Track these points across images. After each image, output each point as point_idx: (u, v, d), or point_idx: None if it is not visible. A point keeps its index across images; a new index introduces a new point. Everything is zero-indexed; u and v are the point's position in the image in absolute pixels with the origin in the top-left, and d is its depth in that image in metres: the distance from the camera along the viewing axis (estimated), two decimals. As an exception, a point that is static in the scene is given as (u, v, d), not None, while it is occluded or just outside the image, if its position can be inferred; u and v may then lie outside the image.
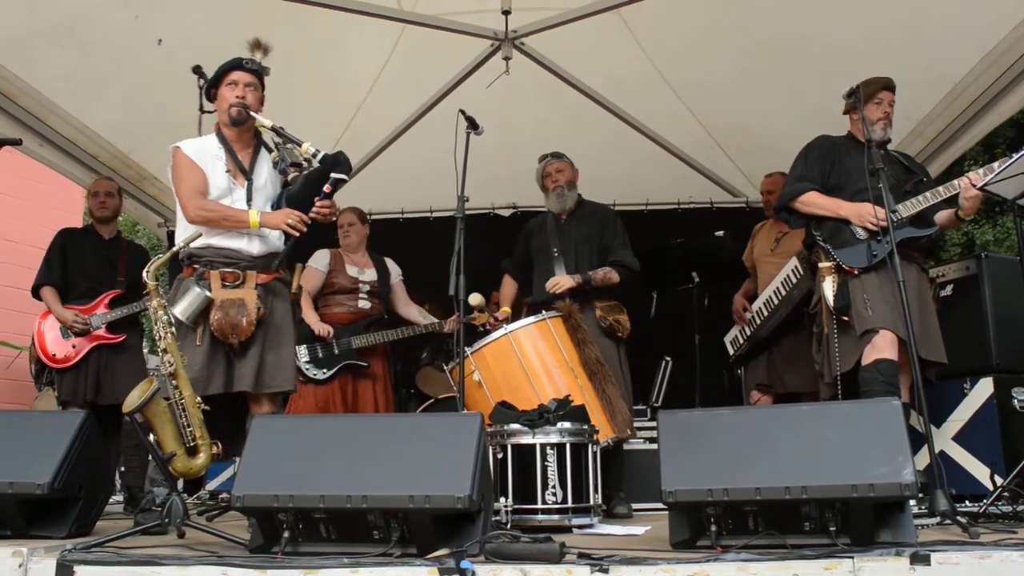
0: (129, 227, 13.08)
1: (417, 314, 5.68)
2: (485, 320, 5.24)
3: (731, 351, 5.63)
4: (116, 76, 5.32)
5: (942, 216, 4.28)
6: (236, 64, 3.86)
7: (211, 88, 3.96)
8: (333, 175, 3.67)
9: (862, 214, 4.07)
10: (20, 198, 8.46)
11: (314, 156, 3.63)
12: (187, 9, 5.02)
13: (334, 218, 3.81)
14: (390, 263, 5.73)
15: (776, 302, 5.17)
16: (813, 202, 4.24)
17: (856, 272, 4.06)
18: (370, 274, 5.56)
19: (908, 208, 4.07)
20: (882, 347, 3.90)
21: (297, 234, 3.71)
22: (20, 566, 2.53)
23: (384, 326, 5.52)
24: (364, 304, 5.46)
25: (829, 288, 4.11)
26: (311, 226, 3.74)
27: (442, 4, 5.39)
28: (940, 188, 4.02)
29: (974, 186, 4.01)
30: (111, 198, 5.39)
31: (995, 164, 3.92)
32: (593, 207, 5.10)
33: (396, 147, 6.44)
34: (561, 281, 4.71)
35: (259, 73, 3.89)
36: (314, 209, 3.72)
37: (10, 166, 7.79)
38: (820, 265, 4.21)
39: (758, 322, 5.37)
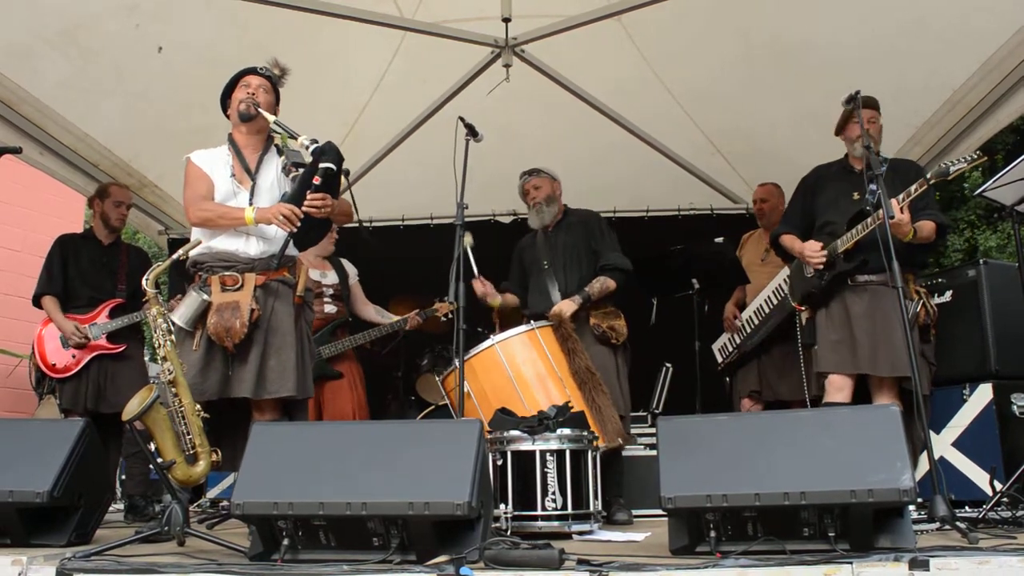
0: (129, 235, 13.10)
1: (375, 314, 5.68)
2: (448, 311, 5.40)
3: (720, 359, 5.66)
4: (117, 84, 5.34)
5: None
6: (250, 69, 3.96)
7: (226, 98, 4.01)
8: (320, 165, 3.64)
9: (803, 253, 4.40)
10: (20, 206, 8.47)
11: (307, 148, 3.65)
12: (187, 17, 5.03)
13: (328, 210, 3.71)
14: (346, 264, 5.69)
15: (767, 311, 5.20)
16: (784, 244, 4.60)
17: (803, 309, 4.51)
18: (331, 277, 5.51)
19: (843, 242, 4.21)
20: (832, 392, 4.24)
21: (292, 228, 3.66)
22: (20, 574, 2.53)
23: (349, 329, 5.51)
24: (330, 308, 5.40)
25: (802, 322, 4.53)
26: (307, 221, 3.68)
27: (442, 11, 5.41)
28: (868, 219, 4.08)
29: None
30: (128, 209, 5.43)
31: (912, 187, 3.96)
32: (577, 215, 5.11)
33: (396, 154, 6.45)
34: (563, 308, 4.67)
35: (272, 80, 3.97)
36: (306, 202, 3.66)
37: (10, 174, 7.80)
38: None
39: (748, 330, 5.39)
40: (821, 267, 4.28)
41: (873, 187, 4.11)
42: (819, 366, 4.31)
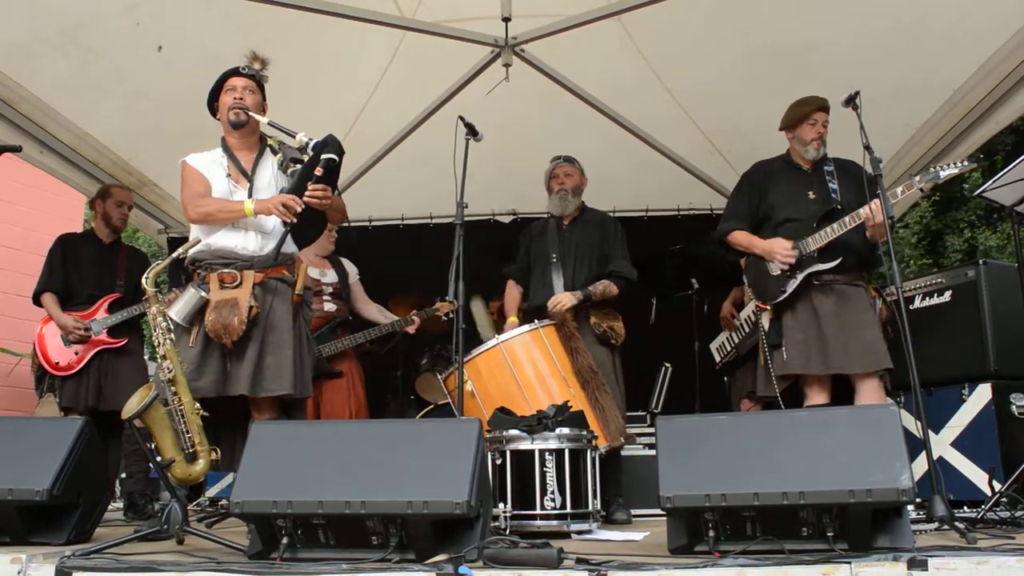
0: (129, 234, 13.11)
1: (377, 313, 5.68)
2: (449, 310, 5.33)
3: (717, 358, 5.66)
4: (117, 83, 5.34)
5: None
6: (232, 71, 3.93)
7: (213, 102, 3.99)
8: (323, 156, 3.62)
9: (772, 251, 4.27)
10: (20, 205, 8.46)
11: (306, 146, 3.64)
12: (187, 16, 5.03)
13: (328, 202, 3.69)
14: (347, 263, 5.70)
15: None
16: (736, 241, 4.49)
17: (769, 308, 4.30)
18: (331, 275, 5.52)
19: (816, 240, 4.16)
20: (812, 396, 4.18)
21: (291, 219, 3.63)
22: (19, 572, 2.53)
23: (349, 328, 5.52)
24: (330, 307, 5.41)
25: (766, 322, 4.33)
26: (307, 212, 3.65)
27: (442, 11, 5.40)
28: (846, 218, 4.05)
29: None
30: (130, 209, 5.44)
31: (898, 189, 3.97)
32: (595, 215, 5.12)
33: (396, 153, 6.44)
34: (563, 300, 4.67)
35: (255, 78, 3.93)
36: (307, 193, 3.63)
37: (10, 173, 7.80)
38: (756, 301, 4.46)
39: (747, 329, 5.40)
40: (789, 266, 4.19)
41: (835, 186, 4.17)
42: (787, 367, 4.18)
